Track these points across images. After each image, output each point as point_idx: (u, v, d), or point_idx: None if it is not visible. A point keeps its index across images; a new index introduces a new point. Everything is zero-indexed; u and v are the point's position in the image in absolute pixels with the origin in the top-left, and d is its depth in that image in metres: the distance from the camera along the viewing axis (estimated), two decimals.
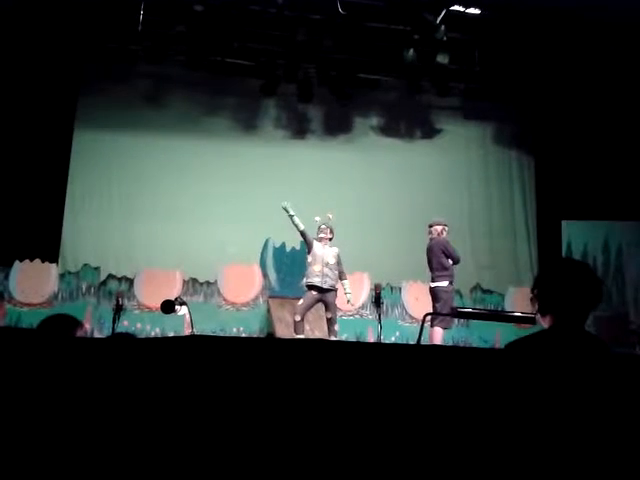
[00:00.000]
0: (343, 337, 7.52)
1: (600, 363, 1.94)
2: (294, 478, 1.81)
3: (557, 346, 1.98)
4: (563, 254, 8.08)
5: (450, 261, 6.46)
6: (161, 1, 7.34)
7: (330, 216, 6.76)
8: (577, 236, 8.27)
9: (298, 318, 6.43)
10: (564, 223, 8.31)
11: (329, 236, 6.70)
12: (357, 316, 8.40)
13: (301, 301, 6.53)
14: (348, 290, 6.69)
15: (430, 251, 6.55)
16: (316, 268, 6.52)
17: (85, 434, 1.77)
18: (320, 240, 6.67)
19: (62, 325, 2.92)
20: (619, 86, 7.99)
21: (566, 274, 2.06)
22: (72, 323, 2.98)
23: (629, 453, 1.78)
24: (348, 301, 6.77)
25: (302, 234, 6.74)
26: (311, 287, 6.52)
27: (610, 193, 8.18)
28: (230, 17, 7.42)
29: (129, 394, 1.79)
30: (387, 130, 9.12)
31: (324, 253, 6.60)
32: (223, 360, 1.82)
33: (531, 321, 3.11)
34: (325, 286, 6.49)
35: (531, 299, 2.11)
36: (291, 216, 6.67)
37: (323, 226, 6.71)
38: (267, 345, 2.06)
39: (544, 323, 2.09)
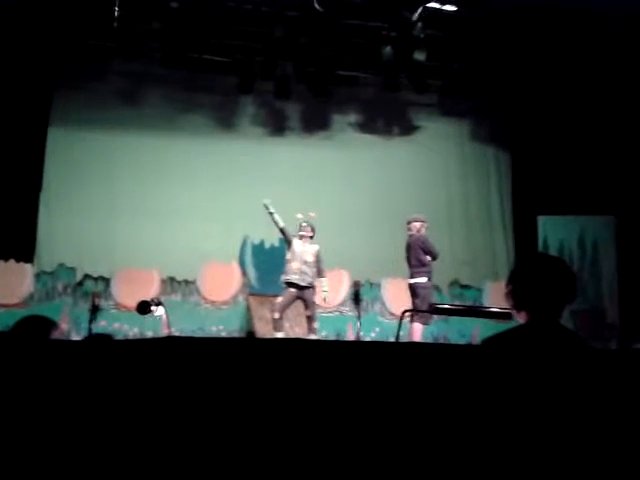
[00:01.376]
0: (323, 334, 7.53)
1: (576, 358, 1.96)
2: (275, 477, 1.81)
3: (533, 341, 1.99)
4: (539, 249, 8.15)
5: (429, 257, 6.51)
6: None
7: (312, 214, 6.79)
8: (553, 231, 8.35)
9: (277, 315, 6.44)
10: (540, 218, 8.39)
11: (310, 234, 6.73)
12: (337, 313, 8.41)
13: (280, 298, 6.54)
14: (325, 288, 6.71)
15: (409, 247, 6.59)
16: (294, 265, 6.54)
17: (61, 437, 1.75)
18: (301, 238, 6.70)
19: (37, 327, 2.88)
20: (594, 83, 8.08)
21: (539, 270, 2.07)
22: (47, 324, 2.94)
23: (606, 446, 1.81)
24: (324, 299, 6.78)
25: (282, 231, 6.77)
26: (289, 284, 6.53)
27: (585, 188, 8.28)
28: (206, 13, 7.36)
29: (104, 397, 1.77)
30: (365, 127, 9.12)
31: (303, 250, 6.62)
32: (199, 361, 1.81)
33: (508, 316, 3.14)
34: (303, 283, 6.50)
35: (506, 295, 2.12)
36: (271, 213, 6.70)
37: (304, 224, 6.74)
38: (244, 346, 2.05)
39: (520, 318, 2.10)
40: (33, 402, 1.77)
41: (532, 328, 2.03)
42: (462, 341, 8.16)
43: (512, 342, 2.00)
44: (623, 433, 1.85)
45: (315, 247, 6.73)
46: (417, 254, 6.48)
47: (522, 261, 2.20)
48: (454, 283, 8.90)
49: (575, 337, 2.05)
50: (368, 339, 7.91)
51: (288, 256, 6.68)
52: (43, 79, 8.05)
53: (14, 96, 7.84)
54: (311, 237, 6.75)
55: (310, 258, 6.60)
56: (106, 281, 8.04)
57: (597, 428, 1.81)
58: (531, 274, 2.07)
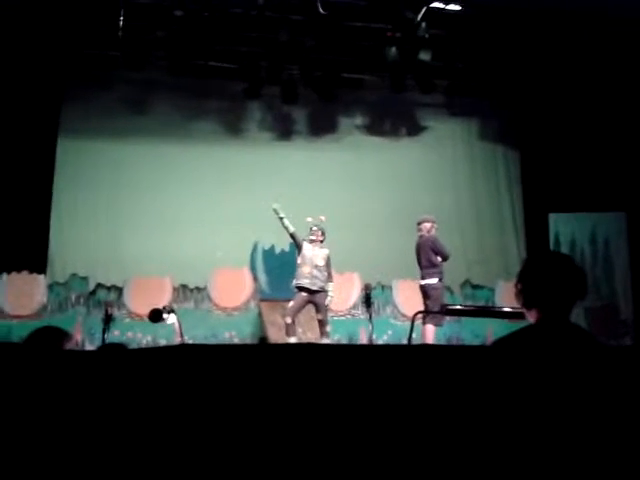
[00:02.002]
0: (335, 338, 7.52)
1: (587, 355, 1.95)
2: None
3: (544, 340, 1.98)
4: (551, 246, 8.11)
5: (439, 258, 6.49)
6: (141, 7, 7.31)
7: (322, 218, 6.79)
8: (564, 228, 8.31)
9: (289, 320, 6.44)
10: (551, 216, 8.35)
11: (320, 238, 6.74)
12: (349, 316, 8.39)
13: (291, 303, 6.54)
14: (331, 293, 6.68)
15: (419, 248, 6.57)
16: (305, 270, 6.54)
17: (76, 448, 1.76)
18: (311, 242, 6.70)
19: (50, 338, 2.89)
20: (602, 79, 8.03)
21: (548, 267, 2.06)
22: (61, 335, 2.95)
23: (621, 444, 1.79)
24: (327, 304, 6.72)
25: (292, 236, 6.78)
26: (301, 288, 6.54)
27: (595, 185, 8.23)
28: (211, 20, 7.39)
29: (119, 406, 1.78)
30: (372, 129, 9.12)
31: (313, 255, 6.63)
32: (213, 368, 1.81)
33: (520, 316, 3.11)
34: (314, 288, 6.50)
35: (516, 294, 2.10)
36: (281, 218, 6.71)
37: (315, 228, 6.75)
38: (256, 352, 2.05)
39: (530, 317, 2.08)
40: (48, 413, 1.78)
41: (543, 327, 2.01)
42: (476, 341, 8.12)
43: (523, 342, 1.99)
44: (638, 431, 1.84)
45: (325, 251, 6.73)
46: (428, 255, 6.46)
47: (531, 259, 2.18)
48: (466, 283, 8.86)
49: (586, 334, 2.03)
50: (381, 342, 7.90)
51: (299, 260, 6.69)
52: (51, 90, 8.13)
53: (23, 108, 7.92)
54: (321, 241, 6.75)
55: (321, 262, 6.60)
56: (119, 290, 8.07)
57: (611, 426, 1.80)
58: (540, 272, 2.05)
